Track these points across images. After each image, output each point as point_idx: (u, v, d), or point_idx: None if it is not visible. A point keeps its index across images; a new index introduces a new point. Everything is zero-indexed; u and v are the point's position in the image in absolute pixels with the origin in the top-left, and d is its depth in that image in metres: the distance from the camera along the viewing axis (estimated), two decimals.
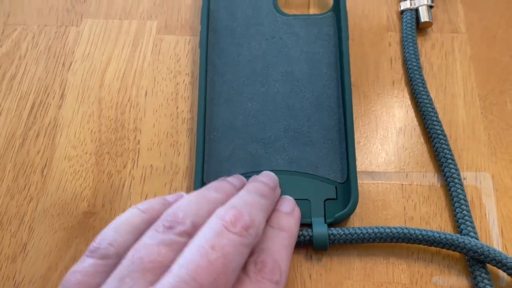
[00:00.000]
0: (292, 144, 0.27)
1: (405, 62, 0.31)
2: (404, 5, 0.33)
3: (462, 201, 0.27)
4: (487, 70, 0.31)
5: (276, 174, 0.26)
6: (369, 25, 0.33)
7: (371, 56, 0.32)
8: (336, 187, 0.26)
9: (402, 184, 0.28)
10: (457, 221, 0.27)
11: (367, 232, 0.24)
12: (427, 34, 0.33)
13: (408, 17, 0.32)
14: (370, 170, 0.28)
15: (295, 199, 0.25)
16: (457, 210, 0.27)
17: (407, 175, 0.28)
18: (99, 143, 0.29)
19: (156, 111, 0.30)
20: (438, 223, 0.26)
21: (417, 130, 0.29)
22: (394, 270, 0.25)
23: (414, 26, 0.32)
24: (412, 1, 0.33)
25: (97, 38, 0.33)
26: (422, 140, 0.29)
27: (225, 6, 0.32)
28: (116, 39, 0.32)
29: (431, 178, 0.28)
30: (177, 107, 0.30)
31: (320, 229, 0.24)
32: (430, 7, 0.32)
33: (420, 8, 0.32)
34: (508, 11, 0.33)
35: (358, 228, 0.25)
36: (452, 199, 0.27)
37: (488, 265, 0.25)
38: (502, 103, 0.30)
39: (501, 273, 0.25)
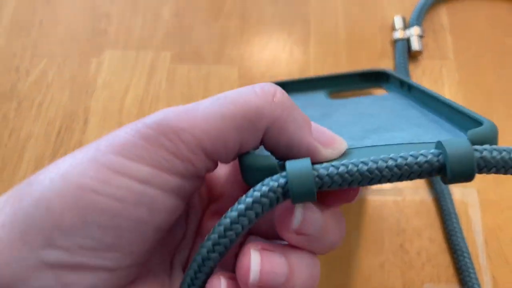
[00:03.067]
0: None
1: None
2: (396, 35, 0.36)
3: (452, 214, 0.29)
4: (473, 94, 0.34)
5: None
6: (365, 52, 0.36)
7: None
8: None
9: (395, 199, 0.30)
10: (448, 233, 0.29)
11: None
12: (418, 61, 0.36)
13: (400, 46, 0.35)
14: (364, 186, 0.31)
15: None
16: (447, 223, 0.29)
17: (400, 191, 0.31)
18: None
19: None
20: (429, 234, 0.29)
21: None
22: (390, 276, 0.28)
23: (406, 54, 0.35)
24: (404, 32, 0.36)
25: (117, 68, 0.36)
26: None
27: None
28: (133, 68, 0.36)
29: (423, 193, 0.31)
30: None
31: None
32: (421, 36, 0.36)
33: (411, 38, 0.35)
34: (492, 40, 0.36)
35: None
36: (443, 212, 0.30)
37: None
38: None
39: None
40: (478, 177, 0.30)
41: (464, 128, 0.20)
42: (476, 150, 0.15)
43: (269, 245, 0.17)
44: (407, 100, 0.27)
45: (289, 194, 0.15)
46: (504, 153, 0.15)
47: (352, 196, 0.18)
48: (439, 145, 0.15)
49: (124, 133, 0.16)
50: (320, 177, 0.15)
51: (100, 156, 0.15)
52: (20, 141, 0.33)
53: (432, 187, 0.31)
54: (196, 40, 0.37)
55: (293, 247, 0.17)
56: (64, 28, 0.37)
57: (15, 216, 0.15)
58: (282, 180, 0.15)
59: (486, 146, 0.15)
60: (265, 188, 0.15)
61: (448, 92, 0.34)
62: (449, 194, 0.30)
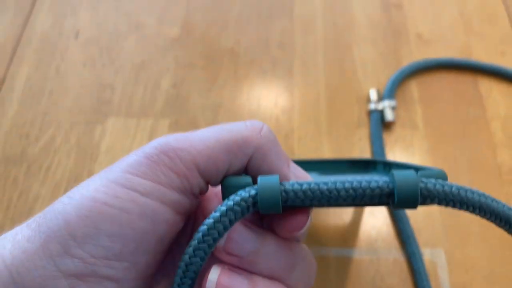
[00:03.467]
0: None
1: (373, 154, 0.38)
2: (372, 106, 0.40)
3: (422, 274, 0.32)
4: (440, 161, 0.38)
5: None
6: (343, 121, 0.40)
7: (344, 148, 0.38)
8: None
9: (371, 258, 0.33)
10: None
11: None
12: (391, 130, 0.40)
13: (375, 117, 0.39)
14: (345, 246, 0.34)
15: None
16: (418, 281, 0.32)
17: (375, 250, 0.34)
18: None
19: None
20: None
21: (384, 213, 0.35)
22: None
23: (380, 124, 0.39)
24: (378, 104, 0.40)
25: (119, 134, 0.39)
26: (388, 221, 0.35)
27: None
28: (134, 135, 0.39)
29: (395, 253, 0.34)
30: None
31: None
32: (393, 108, 0.40)
33: (385, 109, 0.40)
34: (457, 110, 0.41)
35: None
36: (414, 272, 0.33)
37: None
38: None
39: None
40: (445, 239, 0.34)
41: None
42: (421, 181, 0.17)
43: (237, 267, 0.19)
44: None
45: (258, 204, 0.18)
46: (446, 187, 0.17)
47: (299, 225, 0.19)
48: (390, 175, 0.18)
49: (134, 154, 0.19)
50: (286, 191, 0.18)
51: (111, 175, 0.18)
52: (28, 203, 0.36)
53: (404, 248, 0.34)
54: (192, 109, 0.41)
55: (264, 277, 0.19)
56: (71, 98, 0.41)
57: (39, 229, 0.17)
58: (253, 192, 0.18)
59: (431, 179, 0.17)
60: (237, 198, 0.18)
61: (418, 158, 0.38)
62: (420, 254, 0.33)
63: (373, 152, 0.38)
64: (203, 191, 0.20)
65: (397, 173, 0.17)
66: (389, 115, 0.39)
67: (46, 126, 0.40)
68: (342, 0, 0.47)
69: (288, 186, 0.18)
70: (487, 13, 0.47)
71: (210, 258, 0.18)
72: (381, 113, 0.40)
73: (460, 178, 0.37)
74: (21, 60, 0.43)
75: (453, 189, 0.17)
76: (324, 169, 0.35)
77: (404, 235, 0.34)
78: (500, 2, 0.48)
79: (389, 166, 0.32)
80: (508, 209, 0.17)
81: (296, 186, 0.18)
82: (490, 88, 0.42)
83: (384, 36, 0.45)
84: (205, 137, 0.19)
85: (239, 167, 0.20)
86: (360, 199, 0.18)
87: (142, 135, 0.39)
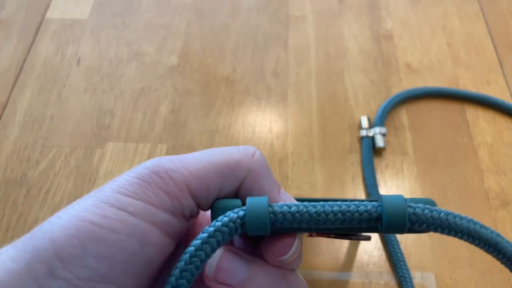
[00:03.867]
0: None
1: (364, 179, 0.39)
2: (363, 133, 0.41)
3: None
4: (429, 186, 0.39)
5: None
6: (335, 148, 0.41)
7: (337, 173, 0.40)
8: None
9: (363, 282, 0.34)
10: None
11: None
12: (382, 155, 0.41)
13: (366, 143, 0.41)
14: (336, 270, 0.35)
15: None
16: None
17: (367, 274, 0.34)
18: None
19: None
20: None
21: (375, 237, 0.36)
22: None
23: (371, 150, 0.40)
24: (369, 131, 0.41)
25: (118, 158, 0.40)
26: (379, 245, 0.36)
27: None
28: (133, 159, 0.40)
29: (387, 277, 0.34)
30: None
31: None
32: (384, 135, 0.41)
33: (375, 136, 0.41)
34: (446, 137, 0.42)
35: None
36: None
37: None
38: None
39: None
40: (435, 262, 0.35)
41: None
42: (410, 206, 0.17)
43: None
44: None
45: (246, 225, 0.17)
46: (434, 213, 0.17)
47: (286, 248, 0.19)
48: (379, 199, 0.18)
49: (125, 175, 0.18)
50: (274, 213, 0.18)
51: (101, 194, 0.18)
52: (26, 226, 0.36)
53: (395, 271, 0.35)
54: (189, 134, 0.42)
55: None
56: (72, 123, 0.42)
57: (24, 249, 0.16)
58: (241, 213, 0.18)
59: (420, 205, 0.18)
60: (226, 219, 0.18)
61: (407, 183, 0.39)
62: (410, 278, 0.34)
63: (364, 177, 0.39)
64: (193, 214, 0.20)
65: (386, 197, 0.18)
66: (379, 142, 0.41)
67: (47, 150, 0.41)
68: (334, 31, 0.50)
69: (276, 207, 0.18)
70: (474, 44, 0.49)
71: (196, 285, 0.18)
72: (372, 139, 0.41)
73: (449, 203, 0.38)
74: (23, 86, 0.45)
75: (442, 214, 0.17)
76: None
77: (394, 259, 0.35)
78: (487, 33, 0.50)
79: None
80: (497, 236, 0.18)
81: (285, 208, 0.18)
82: (476, 116, 0.44)
83: (374, 65, 0.47)
84: (198, 159, 0.19)
85: (230, 191, 0.20)
86: (349, 222, 0.18)
87: (140, 159, 0.40)
